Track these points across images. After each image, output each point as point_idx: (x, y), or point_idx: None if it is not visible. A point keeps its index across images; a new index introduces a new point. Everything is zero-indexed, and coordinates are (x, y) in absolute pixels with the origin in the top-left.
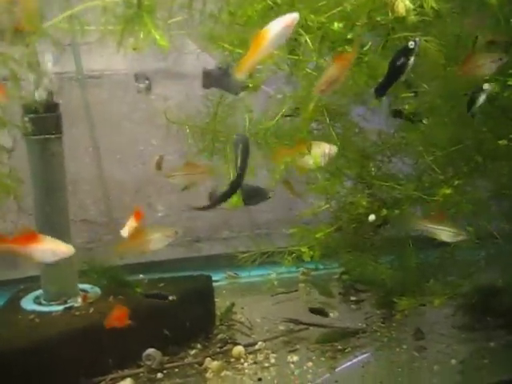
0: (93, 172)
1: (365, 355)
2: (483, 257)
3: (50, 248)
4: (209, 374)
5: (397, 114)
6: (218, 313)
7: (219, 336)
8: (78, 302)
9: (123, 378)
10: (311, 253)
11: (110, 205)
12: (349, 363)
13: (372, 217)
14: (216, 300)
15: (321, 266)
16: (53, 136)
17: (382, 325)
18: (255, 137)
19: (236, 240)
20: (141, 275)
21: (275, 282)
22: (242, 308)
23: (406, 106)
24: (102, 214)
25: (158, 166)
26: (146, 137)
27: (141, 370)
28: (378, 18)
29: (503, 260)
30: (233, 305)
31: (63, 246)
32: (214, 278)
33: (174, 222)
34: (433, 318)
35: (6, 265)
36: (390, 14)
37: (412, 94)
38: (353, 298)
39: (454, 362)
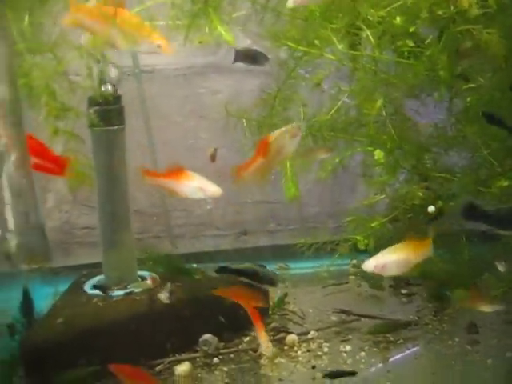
0: (144, 163)
1: (416, 348)
2: None
3: (199, 185)
4: (263, 361)
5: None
6: (270, 302)
7: (272, 325)
8: (139, 287)
9: (181, 361)
10: (366, 241)
11: (160, 197)
12: (401, 355)
13: (431, 208)
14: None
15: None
16: (116, 128)
17: (434, 318)
18: (310, 130)
19: (283, 233)
20: (194, 264)
21: (326, 274)
22: (294, 298)
23: (468, 99)
24: (152, 205)
25: (213, 158)
26: (196, 130)
27: (197, 354)
28: (440, 12)
29: None
30: (285, 295)
31: (211, 186)
32: None
33: (221, 215)
34: (485, 313)
35: (60, 254)
36: (451, 8)
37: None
38: (403, 291)
39: (503, 355)
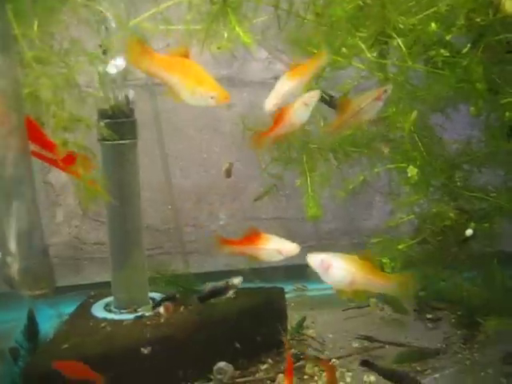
0: (156, 179)
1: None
2: None
3: (277, 247)
4: None
5: None
6: (288, 327)
7: (291, 351)
8: (150, 310)
9: None
10: (392, 264)
11: (172, 212)
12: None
13: (470, 231)
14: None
15: None
16: (128, 141)
17: (464, 346)
18: (331, 145)
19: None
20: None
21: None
22: (312, 322)
23: (507, 113)
24: (163, 221)
25: (228, 174)
26: (210, 144)
27: (211, 383)
28: (478, 19)
29: None
30: (304, 319)
31: (289, 245)
32: None
33: (235, 231)
34: None
35: (69, 270)
36: (490, 15)
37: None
38: (429, 316)
39: None
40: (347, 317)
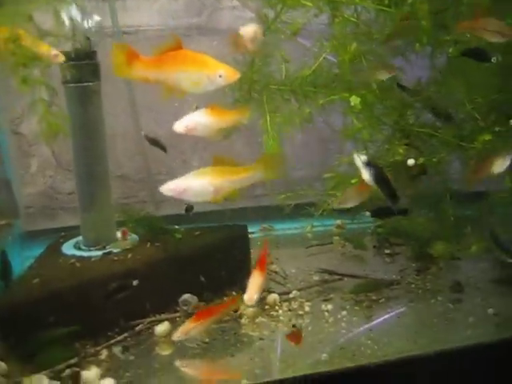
0: (128, 128)
1: (401, 309)
2: None
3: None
4: (244, 320)
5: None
6: (253, 263)
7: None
8: (118, 247)
9: (161, 321)
10: None
11: (145, 161)
12: (386, 316)
13: (411, 161)
14: (252, 250)
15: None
16: (91, 84)
17: (417, 277)
18: (291, 85)
19: (269, 196)
20: (176, 226)
21: (310, 235)
22: (277, 259)
23: (450, 49)
24: (137, 170)
25: None
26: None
27: (177, 314)
28: None
29: None
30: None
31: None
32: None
33: None
34: (469, 272)
35: (44, 219)
36: None
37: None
38: (387, 251)
39: (485, 313)
40: (310, 254)
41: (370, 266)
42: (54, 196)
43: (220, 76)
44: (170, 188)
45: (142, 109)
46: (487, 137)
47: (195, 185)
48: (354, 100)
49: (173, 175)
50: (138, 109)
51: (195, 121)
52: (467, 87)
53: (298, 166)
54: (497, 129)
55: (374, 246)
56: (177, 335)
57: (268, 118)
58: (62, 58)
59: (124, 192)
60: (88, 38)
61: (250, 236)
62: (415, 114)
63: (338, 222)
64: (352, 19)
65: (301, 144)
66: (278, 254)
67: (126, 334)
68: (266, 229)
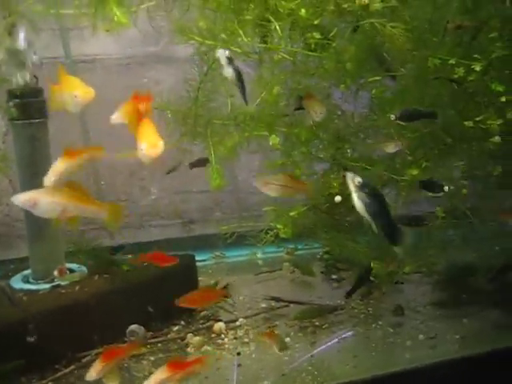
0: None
1: (349, 333)
2: (458, 235)
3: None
4: (190, 349)
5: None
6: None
7: (202, 313)
8: (65, 280)
9: None
10: (285, 230)
11: (103, 189)
12: (328, 342)
13: (338, 198)
14: (202, 279)
15: (301, 246)
16: (37, 121)
17: (361, 302)
18: (235, 120)
19: (227, 222)
20: (130, 256)
21: (260, 262)
22: (226, 286)
23: (373, 91)
24: (97, 196)
25: None
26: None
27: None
28: (345, 5)
29: (477, 238)
30: (216, 283)
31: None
32: (203, 258)
33: (166, 205)
34: (410, 296)
35: (1, 247)
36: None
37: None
38: (334, 277)
39: (423, 337)
40: (260, 280)
41: (316, 292)
42: (11, 224)
43: (76, 96)
44: (21, 199)
45: (100, 136)
46: (414, 171)
47: (46, 201)
48: (273, 140)
49: (132, 201)
50: (95, 137)
51: (58, 170)
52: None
53: (253, 190)
54: (423, 164)
55: (322, 272)
56: (90, 375)
57: (212, 152)
58: None
59: (83, 218)
60: (35, 76)
61: (204, 263)
62: (351, 148)
63: (288, 248)
64: (287, 57)
65: (257, 169)
66: (228, 282)
67: (72, 367)
68: (219, 256)
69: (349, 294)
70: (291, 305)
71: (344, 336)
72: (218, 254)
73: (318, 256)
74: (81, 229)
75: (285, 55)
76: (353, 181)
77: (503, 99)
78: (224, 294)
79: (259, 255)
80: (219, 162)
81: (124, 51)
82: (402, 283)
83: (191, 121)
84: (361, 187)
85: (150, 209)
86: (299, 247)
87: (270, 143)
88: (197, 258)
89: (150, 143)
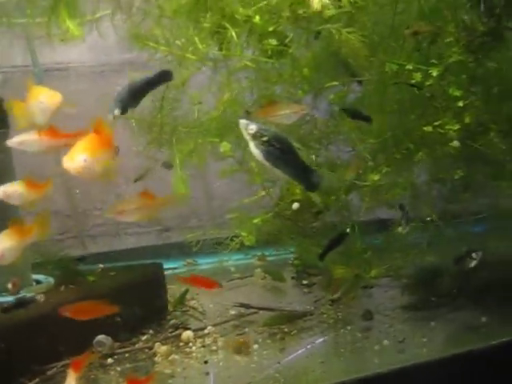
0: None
1: (320, 340)
2: (425, 239)
3: None
4: (157, 358)
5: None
6: (171, 299)
7: (172, 322)
8: (32, 291)
9: None
10: (250, 238)
11: (78, 197)
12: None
13: (296, 205)
14: (172, 287)
15: (268, 253)
16: None
17: (330, 307)
18: (199, 128)
19: (203, 228)
20: (100, 265)
21: (232, 268)
22: (197, 294)
23: (332, 96)
24: (70, 206)
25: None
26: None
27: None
28: (300, 11)
29: (444, 242)
30: (186, 291)
31: None
32: (174, 266)
33: None
34: (380, 300)
35: None
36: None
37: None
38: (305, 282)
39: (391, 341)
40: (231, 287)
41: (287, 298)
42: None
43: (41, 102)
44: None
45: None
46: (375, 177)
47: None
48: (224, 147)
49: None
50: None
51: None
52: (357, 128)
53: (230, 196)
54: (384, 170)
55: (293, 278)
56: None
57: (177, 160)
58: None
59: (59, 228)
60: None
61: (175, 271)
62: (316, 154)
63: (259, 254)
64: (249, 64)
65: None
66: (199, 289)
67: (37, 380)
68: (191, 263)
69: (321, 257)
70: (260, 311)
71: (316, 342)
72: (189, 261)
73: (290, 262)
74: (57, 238)
75: (248, 62)
76: (246, 129)
77: (460, 104)
78: (113, 309)
79: (231, 262)
80: (186, 169)
81: (98, 58)
82: (372, 287)
83: (157, 129)
84: (256, 135)
85: None
86: (266, 254)
87: (221, 150)
88: (171, 266)
89: (69, 157)
